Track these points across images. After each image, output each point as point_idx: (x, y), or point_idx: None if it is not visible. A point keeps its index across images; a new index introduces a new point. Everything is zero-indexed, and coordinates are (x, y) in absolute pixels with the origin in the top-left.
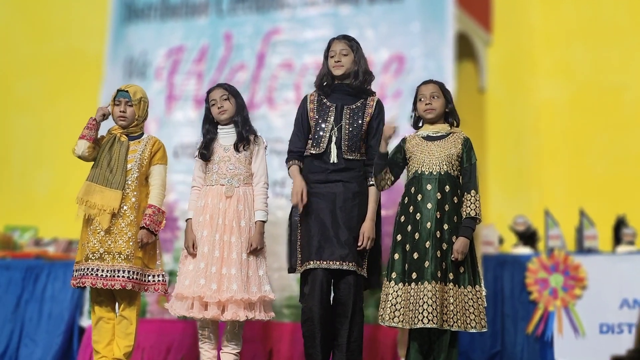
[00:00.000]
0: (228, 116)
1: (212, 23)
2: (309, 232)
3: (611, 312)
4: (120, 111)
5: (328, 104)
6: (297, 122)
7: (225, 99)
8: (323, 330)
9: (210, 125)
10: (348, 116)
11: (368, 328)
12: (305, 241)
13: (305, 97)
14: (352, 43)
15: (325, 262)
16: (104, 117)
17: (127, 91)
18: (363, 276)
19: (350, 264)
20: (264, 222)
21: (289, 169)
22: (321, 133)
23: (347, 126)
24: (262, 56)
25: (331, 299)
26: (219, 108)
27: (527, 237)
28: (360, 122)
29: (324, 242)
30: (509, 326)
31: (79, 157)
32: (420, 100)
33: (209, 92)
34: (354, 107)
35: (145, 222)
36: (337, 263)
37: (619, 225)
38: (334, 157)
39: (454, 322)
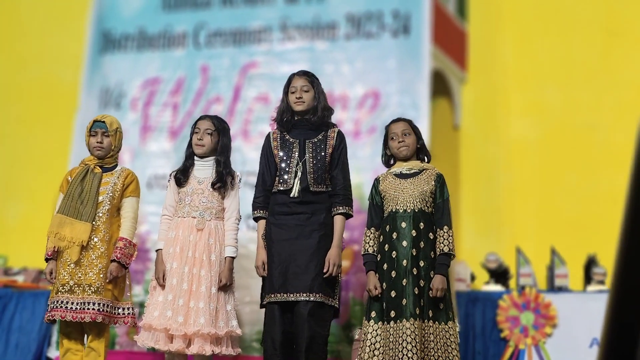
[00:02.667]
0: (202, 152)
1: (189, 55)
2: (274, 265)
3: (581, 351)
4: (97, 142)
5: (291, 140)
6: (262, 160)
7: (209, 134)
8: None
9: (192, 151)
10: (311, 149)
11: None
12: (269, 274)
13: (268, 135)
14: (312, 79)
15: (292, 295)
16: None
17: (103, 122)
18: (334, 307)
19: (317, 295)
20: (233, 258)
21: (254, 219)
22: (287, 169)
23: (311, 159)
24: (238, 89)
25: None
26: (198, 139)
27: (499, 274)
28: (323, 154)
29: (290, 275)
30: None
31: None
32: (392, 138)
33: (198, 120)
34: (316, 140)
35: (116, 255)
36: (304, 295)
37: (590, 264)
38: (295, 192)
39: (435, 359)
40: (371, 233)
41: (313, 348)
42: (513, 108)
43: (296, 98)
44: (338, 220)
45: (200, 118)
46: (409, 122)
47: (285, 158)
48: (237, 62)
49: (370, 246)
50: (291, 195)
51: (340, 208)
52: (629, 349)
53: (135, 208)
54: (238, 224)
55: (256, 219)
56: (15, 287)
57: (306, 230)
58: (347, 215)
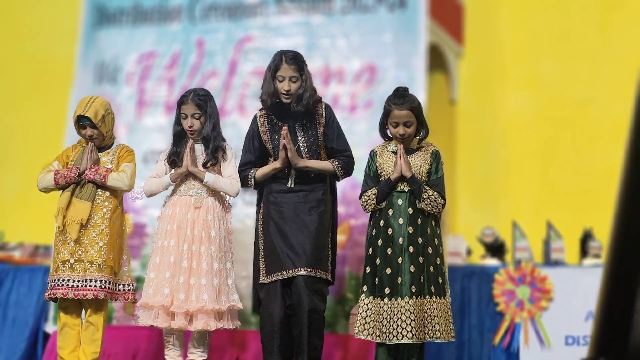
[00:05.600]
0: (196, 135)
1: (184, 29)
2: (276, 245)
3: (577, 324)
4: (88, 135)
5: (280, 123)
6: (246, 144)
7: (197, 118)
8: (282, 336)
9: (181, 129)
10: (302, 130)
11: (340, 337)
12: (269, 252)
13: (255, 118)
14: (301, 66)
15: (292, 271)
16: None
17: (87, 117)
18: (329, 281)
19: (316, 270)
20: (203, 179)
21: (250, 179)
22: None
23: (303, 139)
24: (234, 63)
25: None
26: (189, 127)
27: (495, 248)
28: (314, 131)
29: (292, 252)
30: (475, 337)
31: (40, 189)
32: (393, 126)
33: (182, 104)
34: (305, 121)
35: (98, 169)
36: (303, 270)
37: (586, 238)
38: (290, 183)
39: (441, 334)
40: (368, 192)
41: (314, 321)
42: (510, 82)
43: (284, 90)
44: (327, 162)
45: (183, 102)
46: (412, 109)
47: (277, 143)
48: (233, 36)
49: (374, 194)
50: (288, 185)
51: (337, 163)
52: (624, 321)
53: (132, 169)
54: (234, 184)
55: (250, 178)
56: (12, 263)
57: (305, 207)
58: (337, 173)
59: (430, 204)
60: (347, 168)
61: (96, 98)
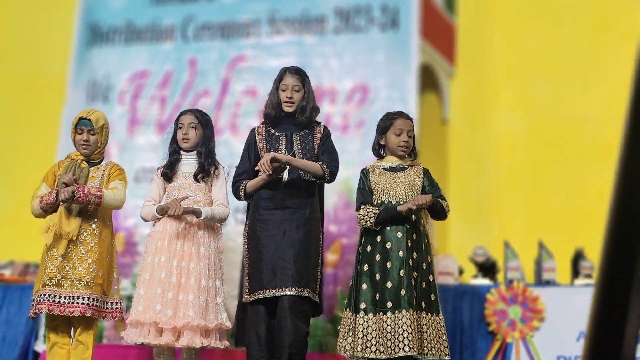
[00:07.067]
0: (189, 145)
1: (177, 48)
2: (261, 262)
3: (568, 345)
4: (84, 140)
5: (277, 133)
6: (243, 154)
7: (193, 127)
8: (270, 355)
9: (177, 146)
10: (299, 142)
11: (331, 357)
12: (256, 269)
13: (253, 130)
14: (303, 78)
15: (281, 290)
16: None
17: (89, 119)
18: (316, 302)
19: (305, 290)
20: (200, 216)
21: (243, 190)
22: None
23: (300, 150)
24: (227, 82)
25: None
26: (183, 134)
27: (487, 268)
28: (311, 145)
29: (278, 270)
30: (467, 357)
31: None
32: (397, 134)
33: (180, 114)
34: (303, 133)
35: (82, 190)
36: (293, 290)
37: (577, 258)
38: (285, 177)
39: (429, 350)
40: (368, 207)
41: (296, 343)
42: (501, 102)
43: (287, 97)
44: (314, 163)
45: (182, 113)
46: (412, 123)
47: (272, 150)
48: (226, 55)
49: (374, 214)
50: (283, 180)
51: (324, 164)
52: (615, 343)
53: (124, 185)
54: (224, 211)
55: (241, 189)
56: (2, 281)
57: (292, 225)
58: (324, 172)
59: (447, 212)
60: (333, 169)
61: (98, 110)
